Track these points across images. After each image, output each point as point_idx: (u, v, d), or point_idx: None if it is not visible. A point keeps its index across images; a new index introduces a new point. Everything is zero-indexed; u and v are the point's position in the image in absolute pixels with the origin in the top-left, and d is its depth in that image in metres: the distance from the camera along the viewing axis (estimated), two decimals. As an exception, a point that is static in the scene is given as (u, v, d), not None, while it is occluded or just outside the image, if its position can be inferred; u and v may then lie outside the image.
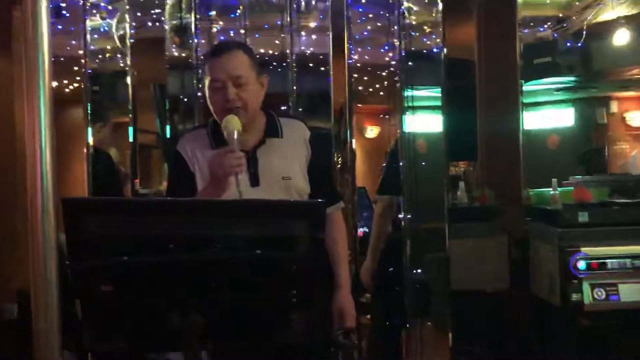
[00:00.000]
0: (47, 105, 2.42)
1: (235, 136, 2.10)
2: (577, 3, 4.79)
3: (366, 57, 4.31)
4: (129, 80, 4.18)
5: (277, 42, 4.27)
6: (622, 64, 4.84)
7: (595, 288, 3.69)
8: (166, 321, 1.60)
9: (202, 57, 4.12)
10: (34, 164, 2.42)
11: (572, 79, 4.97)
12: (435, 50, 4.23)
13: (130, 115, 4.19)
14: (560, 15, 4.80)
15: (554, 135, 5.02)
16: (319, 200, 1.71)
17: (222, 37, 4.27)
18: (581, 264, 3.67)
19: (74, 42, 4.05)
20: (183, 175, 2.31)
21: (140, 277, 1.62)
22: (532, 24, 4.75)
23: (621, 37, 4.66)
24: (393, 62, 4.28)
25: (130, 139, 4.22)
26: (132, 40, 4.18)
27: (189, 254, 1.61)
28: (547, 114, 5.12)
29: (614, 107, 5.23)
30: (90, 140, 4.07)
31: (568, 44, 4.79)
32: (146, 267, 1.62)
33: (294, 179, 2.31)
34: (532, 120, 4.83)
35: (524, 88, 4.67)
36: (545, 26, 4.81)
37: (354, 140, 4.25)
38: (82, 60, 4.07)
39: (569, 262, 3.68)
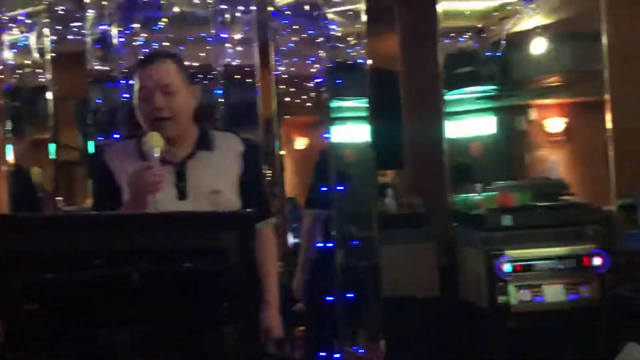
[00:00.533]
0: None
1: (156, 154, 2.06)
2: (495, 13, 4.93)
3: (292, 68, 4.32)
4: (49, 95, 4.07)
5: (202, 54, 4.24)
6: (540, 72, 5.00)
7: (520, 290, 3.79)
8: (94, 338, 1.56)
9: (126, 69, 4.05)
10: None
11: (492, 87, 5.10)
12: (360, 61, 4.28)
13: (51, 131, 4.08)
14: (480, 25, 4.93)
15: (477, 143, 5.15)
16: (247, 210, 1.69)
17: (145, 50, 4.21)
18: (506, 267, 3.76)
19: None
20: (109, 188, 2.24)
21: (65, 295, 1.58)
22: (452, 34, 4.86)
23: (538, 46, 4.82)
24: (319, 73, 4.31)
25: (52, 156, 4.11)
26: (52, 54, 4.08)
27: (116, 269, 1.57)
28: (469, 122, 5.24)
29: (533, 114, 5.39)
30: (10, 157, 3.95)
31: (488, 54, 4.92)
32: (71, 284, 1.58)
33: (223, 193, 2.28)
34: (456, 129, 4.94)
35: (447, 97, 4.76)
36: (466, 36, 4.93)
37: (283, 152, 4.25)
38: (0, 76, 3.96)
39: (494, 265, 3.76)
